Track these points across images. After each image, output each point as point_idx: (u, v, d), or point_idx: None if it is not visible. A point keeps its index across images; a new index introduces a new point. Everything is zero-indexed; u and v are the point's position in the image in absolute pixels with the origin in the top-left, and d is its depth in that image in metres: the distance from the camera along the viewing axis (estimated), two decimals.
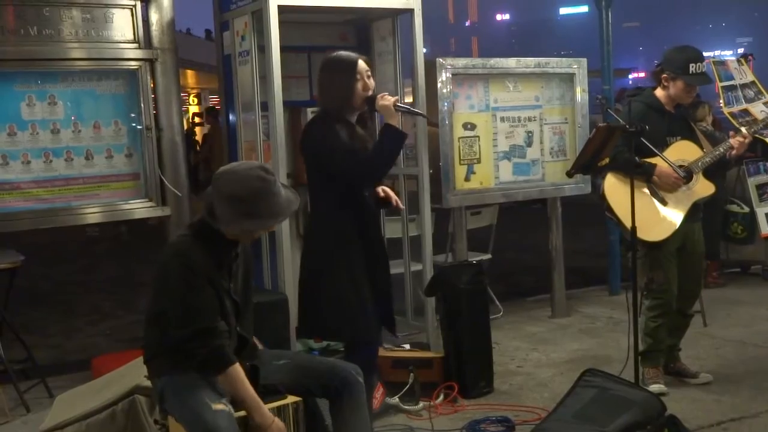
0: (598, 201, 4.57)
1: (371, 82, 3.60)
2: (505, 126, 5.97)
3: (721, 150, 4.47)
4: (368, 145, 3.57)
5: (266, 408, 2.93)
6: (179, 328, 2.91)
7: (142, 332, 3.13)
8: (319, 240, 3.62)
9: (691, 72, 4.42)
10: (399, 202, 3.77)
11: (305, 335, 4.10)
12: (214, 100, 25.82)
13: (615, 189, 4.41)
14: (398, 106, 3.58)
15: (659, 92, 4.56)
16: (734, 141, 4.47)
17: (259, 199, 2.93)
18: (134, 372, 3.75)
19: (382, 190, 3.72)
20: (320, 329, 3.74)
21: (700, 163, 4.46)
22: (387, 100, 3.52)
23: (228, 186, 2.94)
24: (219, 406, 2.84)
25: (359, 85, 3.54)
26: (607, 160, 4.27)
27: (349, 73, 3.54)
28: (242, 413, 2.92)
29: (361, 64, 3.57)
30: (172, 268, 2.95)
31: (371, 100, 3.56)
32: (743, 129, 4.57)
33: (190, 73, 21.58)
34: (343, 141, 3.48)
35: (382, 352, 4.41)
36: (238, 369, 2.92)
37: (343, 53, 3.69)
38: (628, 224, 4.11)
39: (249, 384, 2.93)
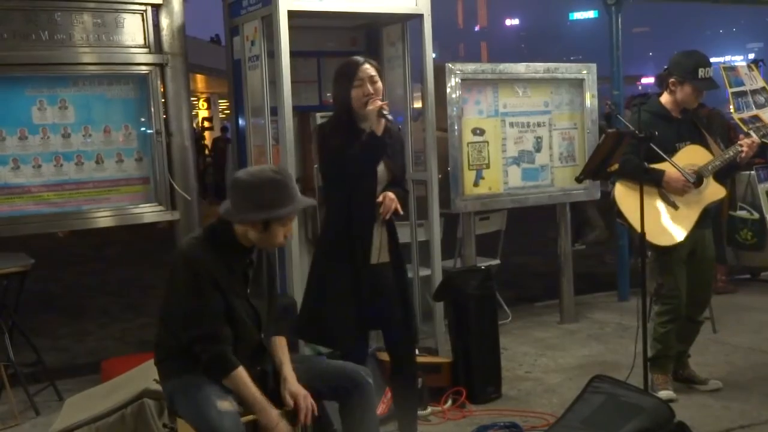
0: (608, 207, 4.56)
1: (374, 88, 3.51)
2: (514, 131, 5.97)
3: (731, 153, 4.46)
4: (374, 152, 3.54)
5: (273, 409, 2.93)
6: (183, 331, 2.95)
7: (154, 335, 3.15)
8: (317, 242, 3.84)
9: (700, 77, 4.41)
10: (387, 211, 3.52)
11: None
12: (223, 104, 25.95)
13: (626, 194, 4.40)
14: (381, 112, 3.49)
15: (665, 98, 4.55)
16: (744, 144, 4.46)
17: (271, 187, 2.97)
18: (143, 375, 3.76)
19: (383, 196, 3.55)
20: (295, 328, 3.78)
21: (710, 167, 4.45)
22: (373, 104, 3.47)
23: (242, 177, 3.03)
24: (225, 405, 2.86)
25: (358, 91, 3.50)
26: (616, 165, 4.26)
27: (348, 78, 3.53)
28: (252, 417, 2.93)
29: (364, 68, 3.52)
30: (178, 271, 2.98)
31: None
32: (752, 133, 4.56)
33: (199, 77, 21.65)
34: (331, 145, 3.53)
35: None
36: (241, 373, 2.93)
37: (350, 58, 3.66)
38: (639, 229, 4.10)
39: (254, 386, 2.94)
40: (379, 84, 3.57)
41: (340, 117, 3.59)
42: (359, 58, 3.62)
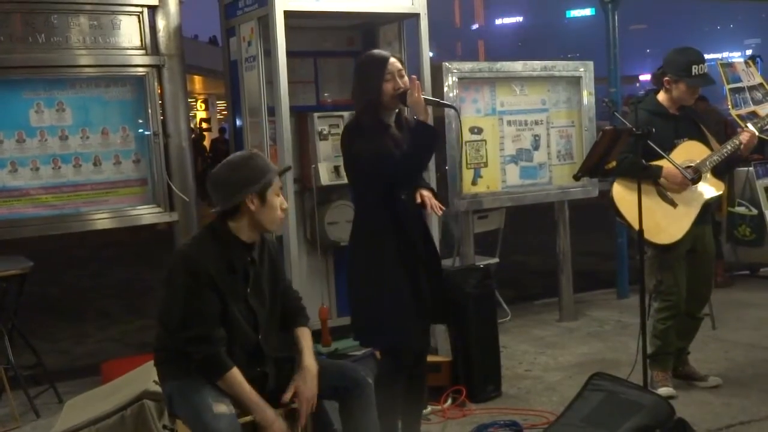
0: (606, 204, 4.56)
1: (403, 81, 3.52)
2: (512, 130, 5.97)
3: (729, 147, 4.45)
4: (402, 146, 3.48)
5: (269, 408, 2.94)
6: (178, 331, 2.95)
7: (154, 336, 3.15)
8: (354, 242, 3.64)
9: (693, 74, 4.41)
10: (435, 208, 3.54)
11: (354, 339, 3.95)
12: (221, 105, 25.98)
13: (624, 192, 4.40)
14: (427, 99, 3.51)
15: (662, 96, 4.56)
16: (742, 138, 4.45)
17: (250, 161, 3.02)
18: (143, 377, 3.76)
19: (420, 195, 3.53)
20: (356, 333, 3.70)
21: (708, 163, 4.44)
22: (416, 95, 3.43)
23: (218, 172, 3.07)
24: (221, 409, 2.85)
25: (389, 85, 3.47)
26: (614, 163, 4.26)
27: (378, 72, 3.48)
28: (249, 418, 2.93)
29: (392, 62, 3.51)
30: (176, 272, 2.97)
31: (403, 96, 3.47)
32: (750, 125, 4.56)
33: (197, 78, 21.66)
34: (371, 144, 3.43)
35: None
36: (235, 374, 2.93)
37: (375, 52, 3.66)
38: (637, 227, 4.10)
39: (249, 387, 2.94)
40: (406, 78, 3.55)
41: (368, 115, 3.50)
42: (385, 53, 3.61)
